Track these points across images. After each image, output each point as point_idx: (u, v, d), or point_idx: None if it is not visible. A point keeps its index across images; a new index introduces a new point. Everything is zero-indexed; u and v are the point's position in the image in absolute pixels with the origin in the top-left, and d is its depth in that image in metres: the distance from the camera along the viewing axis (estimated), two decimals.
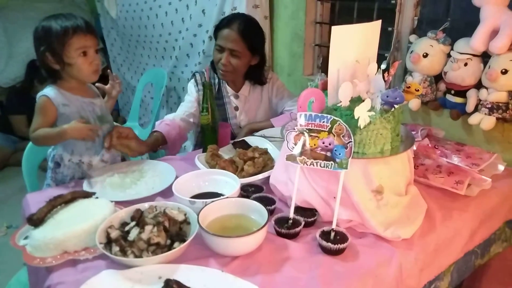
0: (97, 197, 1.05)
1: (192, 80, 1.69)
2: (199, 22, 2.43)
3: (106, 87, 1.40)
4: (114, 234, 0.88)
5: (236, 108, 1.74)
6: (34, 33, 1.21)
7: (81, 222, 0.91)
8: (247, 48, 1.57)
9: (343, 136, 0.91)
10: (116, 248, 0.85)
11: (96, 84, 1.40)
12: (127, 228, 0.89)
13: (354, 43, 1.03)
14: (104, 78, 1.38)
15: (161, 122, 1.54)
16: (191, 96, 1.67)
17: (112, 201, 1.02)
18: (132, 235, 0.87)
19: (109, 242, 0.87)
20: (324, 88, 1.07)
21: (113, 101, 1.44)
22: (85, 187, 1.17)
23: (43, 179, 1.40)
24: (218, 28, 1.60)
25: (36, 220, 0.93)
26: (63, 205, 1.00)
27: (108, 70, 1.49)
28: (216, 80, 1.71)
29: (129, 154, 1.38)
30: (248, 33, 1.56)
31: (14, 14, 3.63)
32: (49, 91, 1.24)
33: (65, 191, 1.05)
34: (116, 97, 1.43)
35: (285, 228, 0.96)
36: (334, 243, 0.90)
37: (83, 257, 0.88)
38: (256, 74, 1.70)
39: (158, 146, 1.48)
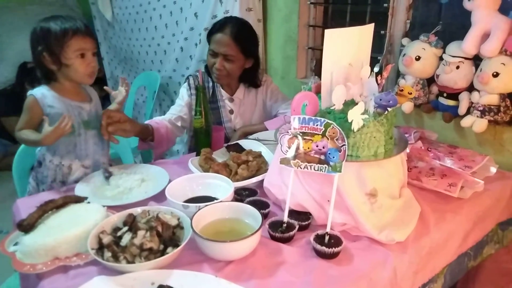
0: (88, 202, 1.04)
1: (185, 84, 1.68)
2: (191, 25, 2.43)
3: (113, 93, 1.39)
4: (106, 239, 0.86)
5: (231, 112, 1.73)
6: (32, 33, 1.21)
7: (72, 227, 0.90)
8: (240, 51, 1.57)
9: (336, 139, 0.91)
10: (108, 254, 0.84)
11: (105, 87, 1.40)
12: (119, 233, 0.88)
13: (347, 47, 1.03)
14: (99, 81, 1.38)
15: (151, 120, 1.55)
16: (182, 100, 1.66)
17: (104, 206, 1.01)
18: (124, 241, 0.86)
19: (101, 248, 0.86)
20: (318, 91, 1.07)
21: (119, 107, 1.41)
22: (78, 191, 1.16)
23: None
24: (211, 32, 1.60)
25: (27, 226, 0.91)
26: (54, 210, 0.98)
27: (119, 76, 1.46)
28: (210, 84, 1.70)
29: (124, 136, 1.36)
30: (241, 37, 1.56)
31: (5, 17, 3.60)
32: (37, 91, 1.23)
33: (56, 195, 1.04)
34: (122, 103, 1.40)
35: (279, 232, 0.95)
36: (328, 246, 0.89)
37: (75, 263, 0.87)
38: (251, 77, 1.70)
39: (147, 135, 1.47)
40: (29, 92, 1.24)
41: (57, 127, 1.14)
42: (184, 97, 1.66)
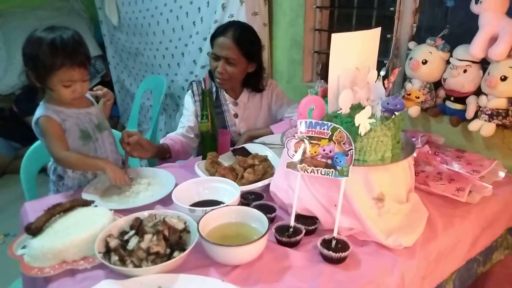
0: (96, 206, 1.04)
1: (189, 92, 1.70)
2: (197, 30, 2.44)
3: (100, 93, 1.35)
4: (113, 243, 0.87)
5: (236, 115, 1.74)
6: (24, 46, 1.17)
7: (79, 231, 0.91)
8: (242, 55, 1.57)
9: (343, 144, 0.91)
10: (115, 258, 0.84)
11: (89, 92, 1.35)
12: (126, 237, 0.88)
13: (354, 51, 1.03)
14: (104, 84, 1.37)
15: (165, 138, 1.58)
16: (188, 110, 1.68)
17: (111, 210, 1.01)
18: (131, 244, 0.86)
19: (108, 251, 0.86)
20: (324, 95, 1.07)
21: (110, 106, 1.39)
22: (85, 195, 1.16)
23: (41, 187, 1.39)
24: (213, 36, 1.61)
25: (34, 229, 0.92)
26: (61, 214, 0.99)
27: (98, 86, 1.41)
28: (214, 88, 1.71)
29: (143, 156, 1.37)
30: (243, 40, 1.57)
31: (13, 21, 3.64)
32: (44, 111, 1.21)
33: (63, 199, 1.04)
34: (111, 102, 1.38)
35: (286, 237, 0.95)
36: (336, 251, 0.89)
37: (82, 267, 0.87)
38: (253, 82, 1.70)
39: (165, 154, 1.50)
40: (36, 116, 1.21)
41: (122, 175, 1.17)
42: (189, 106, 1.68)
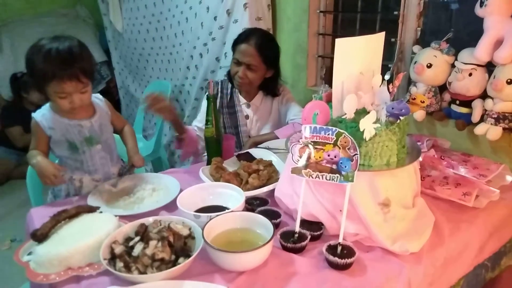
0: (101, 212, 1.05)
1: (207, 92, 1.73)
2: (198, 35, 2.45)
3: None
4: (118, 249, 0.87)
5: (247, 117, 1.78)
6: (26, 52, 1.17)
7: (85, 237, 0.91)
8: (262, 62, 1.63)
9: (348, 149, 0.90)
10: (120, 264, 0.84)
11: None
12: (131, 243, 0.89)
13: (358, 55, 1.03)
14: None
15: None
16: (202, 111, 1.72)
17: (116, 216, 1.01)
18: (136, 251, 0.86)
19: (113, 258, 0.86)
20: (329, 100, 1.07)
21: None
22: (90, 201, 1.17)
23: (47, 193, 1.40)
24: (236, 42, 1.67)
25: (40, 236, 0.92)
26: (67, 220, 0.99)
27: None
28: (229, 90, 1.76)
29: (164, 116, 1.46)
30: (264, 48, 1.62)
31: (20, 29, 3.68)
32: (38, 113, 1.24)
33: (69, 205, 1.05)
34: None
35: (291, 242, 0.94)
36: (341, 257, 0.88)
37: (87, 273, 0.87)
38: (270, 86, 1.76)
39: (182, 129, 1.55)
40: (32, 114, 1.24)
41: (49, 173, 1.16)
42: (203, 107, 1.71)
